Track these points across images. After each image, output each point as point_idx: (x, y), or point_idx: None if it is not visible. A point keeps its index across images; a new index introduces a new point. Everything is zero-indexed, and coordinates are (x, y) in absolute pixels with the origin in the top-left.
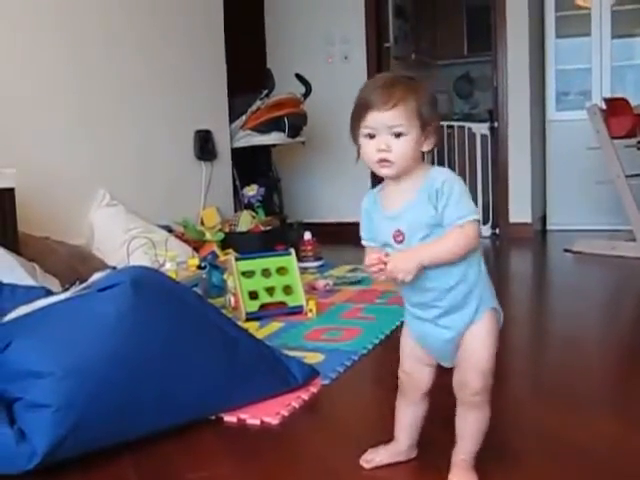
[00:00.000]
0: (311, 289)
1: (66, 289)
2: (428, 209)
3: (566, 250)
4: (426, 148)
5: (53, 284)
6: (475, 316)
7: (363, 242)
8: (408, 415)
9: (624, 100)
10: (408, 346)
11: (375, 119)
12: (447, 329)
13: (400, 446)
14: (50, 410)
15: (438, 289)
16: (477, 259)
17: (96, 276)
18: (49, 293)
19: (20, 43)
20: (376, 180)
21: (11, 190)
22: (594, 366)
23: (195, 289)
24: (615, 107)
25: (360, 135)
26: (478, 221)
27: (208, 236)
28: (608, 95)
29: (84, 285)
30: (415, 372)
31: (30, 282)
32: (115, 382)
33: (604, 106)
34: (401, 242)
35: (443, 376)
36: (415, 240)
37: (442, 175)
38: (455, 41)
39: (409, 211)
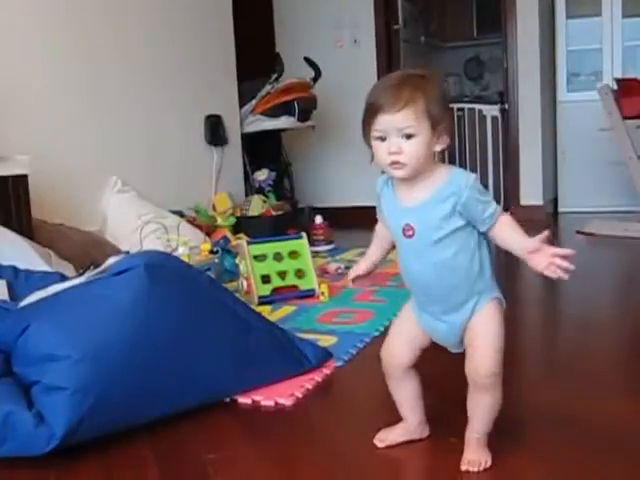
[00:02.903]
0: (323, 273)
1: (81, 274)
2: (443, 208)
3: (578, 232)
4: (438, 148)
5: (67, 269)
6: (476, 307)
7: (378, 216)
8: (401, 392)
9: (636, 80)
10: (406, 330)
11: (384, 122)
12: (447, 323)
13: (410, 424)
14: (67, 393)
15: (443, 287)
16: (473, 250)
17: (110, 261)
18: (64, 278)
19: (32, 34)
20: None
21: (25, 177)
22: (607, 347)
23: (208, 273)
24: (627, 87)
25: (372, 138)
26: None
27: (220, 221)
28: (619, 75)
29: (98, 270)
30: (401, 354)
31: (45, 268)
32: (131, 364)
33: (616, 87)
34: (411, 237)
35: (453, 356)
36: (430, 239)
37: (464, 178)
38: (465, 23)
39: (422, 210)
